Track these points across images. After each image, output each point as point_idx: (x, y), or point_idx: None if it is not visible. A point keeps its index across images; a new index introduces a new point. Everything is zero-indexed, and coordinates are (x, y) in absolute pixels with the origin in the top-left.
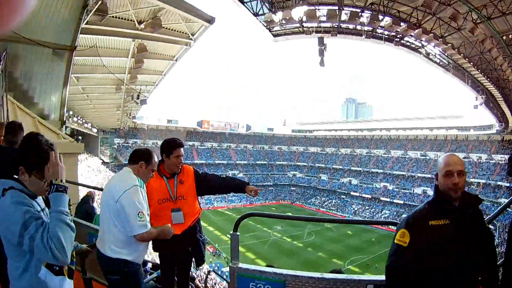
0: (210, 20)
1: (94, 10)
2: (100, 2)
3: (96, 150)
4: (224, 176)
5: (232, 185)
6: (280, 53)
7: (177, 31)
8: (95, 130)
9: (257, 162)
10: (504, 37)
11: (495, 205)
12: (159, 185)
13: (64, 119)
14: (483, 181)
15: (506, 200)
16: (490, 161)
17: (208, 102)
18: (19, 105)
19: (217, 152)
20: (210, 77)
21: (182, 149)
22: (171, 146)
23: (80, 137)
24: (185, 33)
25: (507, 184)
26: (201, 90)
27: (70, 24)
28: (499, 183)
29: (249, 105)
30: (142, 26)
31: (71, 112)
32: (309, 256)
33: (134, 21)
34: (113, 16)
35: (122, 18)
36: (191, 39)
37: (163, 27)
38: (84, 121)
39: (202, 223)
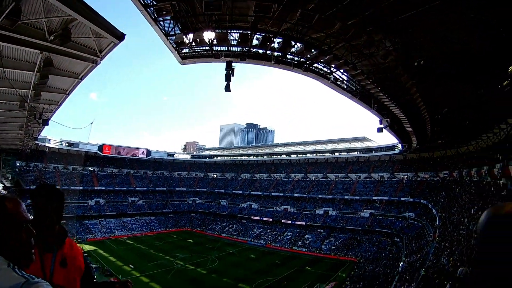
0: (120, 37)
1: (6, 12)
2: (13, 4)
3: None
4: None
5: None
6: (185, 77)
7: (86, 46)
8: None
9: (157, 188)
10: (415, 63)
11: (400, 219)
12: None
13: None
14: (386, 198)
15: (410, 214)
16: (393, 179)
17: (110, 125)
18: None
19: (117, 179)
20: (114, 98)
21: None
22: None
23: None
24: (93, 49)
25: (410, 199)
26: (103, 112)
27: None
28: (402, 199)
29: (151, 130)
30: (51, 37)
31: None
32: (215, 283)
33: (45, 30)
34: (24, 23)
35: (33, 26)
36: (98, 56)
37: (72, 41)
38: None
39: (102, 252)
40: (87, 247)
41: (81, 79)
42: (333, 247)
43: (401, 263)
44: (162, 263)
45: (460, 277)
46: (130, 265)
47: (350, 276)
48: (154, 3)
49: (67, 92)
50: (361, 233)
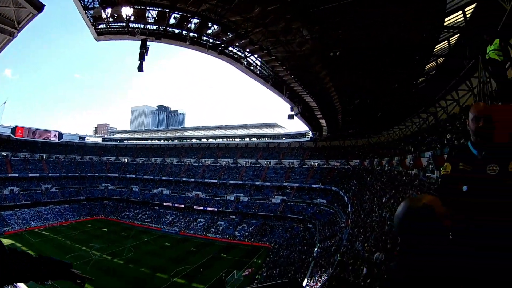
0: (39, 8)
1: None
2: None
3: None
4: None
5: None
6: (99, 55)
7: (3, 17)
8: None
9: (69, 174)
10: (331, 54)
11: (311, 206)
12: None
13: None
14: (297, 184)
15: (322, 200)
16: (303, 166)
17: (25, 105)
18: None
19: (30, 164)
20: (28, 76)
21: None
22: None
23: None
24: (11, 20)
25: (321, 186)
26: (21, 90)
27: None
28: (313, 185)
29: (64, 110)
30: None
31: None
32: (133, 273)
33: None
34: None
35: None
36: (15, 28)
37: None
38: None
39: (21, 246)
40: (6, 242)
41: None
42: (247, 233)
43: (316, 249)
44: (79, 255)
45: (377, 262)
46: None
47: (266, 262)
48: None
49: None
50: (273, 219)
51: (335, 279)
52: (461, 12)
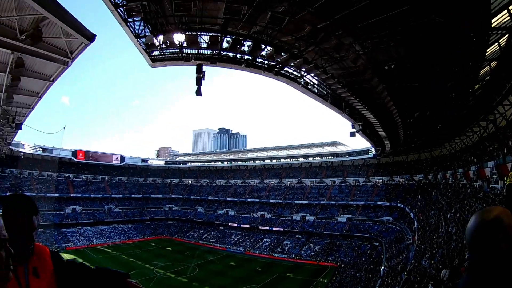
0: (91, 38)
1: None
2: None
3: None
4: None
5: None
6: (157, 80)
7: (57, 47)
8: None
9: (132, 195)
10: (386, 67)
11: (377, 223)
12: None
13: None
14: (362, 202)
15: (388, 218)
16: (368, 183)
17: (83, 130)
18: None
19: (92, 185)
20: (86, 102)
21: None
22: None
23: None
24: (64, 50)
25: (387, 203)
26: (78, 116)
27: None
28: (378, 203)
29: (124, 135)
30: (23, 37)
31: None
32: None
33: (16, 29)
34: None
35: (4, 25)
36: (69, 58)
37: (43, 41)
38: None
39: (82, 262)
40: (67, 256)
41: (53, 81)
42: (313, 253)
43: (382, 267)
44: (142, 272)
45: (444, 280)
46: None
47: (332, 281)
48: (125, 3)
49: (39, 95)
50: (339, 238)
51: None
52: (506, 11)
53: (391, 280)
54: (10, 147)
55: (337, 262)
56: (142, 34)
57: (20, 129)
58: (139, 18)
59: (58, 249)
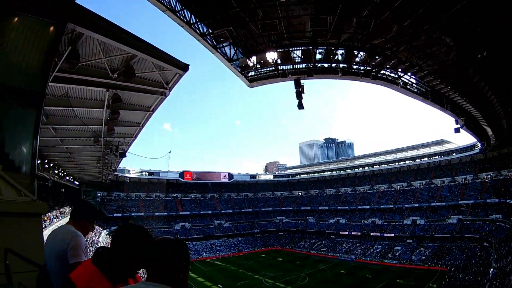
0: (184, 68)
1: (64, 56)
2: (70, 48)
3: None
4: None
5: None
6: (254, 100)
7: (151, 80)
8: (76, 183)
9: (242, 210)
10: (479, 56)
11: (487, 222)
12: None
13: (36, 172)
14: (472, 201)
15: (497, 216)
16: (476, 181)
17: (187, 153)
18: None
19: (201, 203)
20: (187, 126)
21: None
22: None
23: (62, 190)
24: (159, 82)
25: (496, 200)
26: (180, 140)
27: (40, 70)
28: (488, 200)
29: (228, 154)
30: (115, 75)
31: (51, 164)
32: None
33: (107, 69)
34: (85, 65)
35: (94, 67)
36: (166, 88)
37: (137, 76)
38: (65, 173)
39: (190, 274)
40: None
41: (152, 111)
42: (423, 257)
43: (491, 269)
44: (251, 283)
45: None
46: (219, 285)
47: (441, 286)
48: (210, 31)
49: (140, 125)
50: (450, 241)
51: None
52: None
53: (499, 282)
54: (115, 173)
55: (447, 266)
56: (234, 57)
57: (125, 156)
58: (228, 43)
59: None
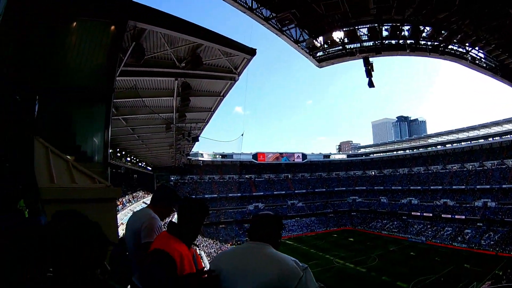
0: (251, 52)
1: (129, 52)
2: (134, 44)
3: (152, 188)
4: None
5: None
6: (325, 80)
7: (219, 66)
8: (149, 168)
9: (316, 190)
10: None
11: None
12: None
13: (109, 160)
14: None
15: None
16: None
17: (259, 135)
18: (52, 149)
19: (275, 183)
20: (258, 108)
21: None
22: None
23: (135, 176)
24: (228, 68)
25: None
26: (251, 123)
27: (106, 68)
28: None
29: (301, 134)
30: (183, 64)
31: (123, 152)
32: (373, 281)
33: (173, 60)
34: (151, 57)
35: (161, 58)
36: (235, 73)
37: (204, 64)
38: (137, 160)
39: None
40: None
41: (223, 96)
42: (492, 242)
43: None
44: (322, 262)
45: None
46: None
47: (506, 274)
48: (274, 15)
49: (212, 110)
50: None
51: None
52: None
53: None
54: (188, 157)
55: None
56: (301, 39)
57: (197, 141)
58: (293, 25)
59: (239, 242)
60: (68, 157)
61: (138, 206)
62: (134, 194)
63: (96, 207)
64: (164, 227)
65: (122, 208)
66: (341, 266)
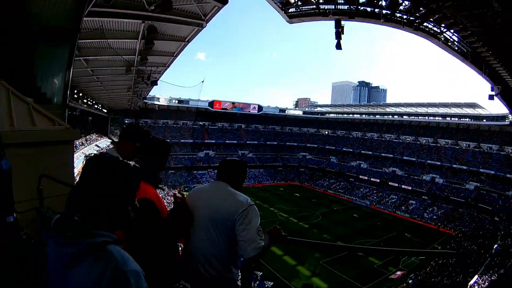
0: (223, 1)
1: None
2: None
3: (106, 130)
4: None
5: None
6: (293, 35)
7: (189, 12)
8: (105, 111)
9: (268, 142)
10: None
11: (502, 197)
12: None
13: (68, 102)
14: (492, 172)
15: None
16: (501, 153)
17: (219, 84)
18: (13, 91)
19: (228, 133)
20: (222, 56)
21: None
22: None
23: (90, 118)
24: (197, 14)
25: None
26: (213, 70)
27: (74, 7)
28: (508, 175)
29: (260, 86)
30: (152, 7)
31: (80, 94)
32: (314, 237)
33: (143, 2)
34: None
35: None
36: (203, 20)
37: (174, 8)
38: (93, 102)
39: None
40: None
41: (188, 42)
42: (435, 217)
43: (495, 245)
44: (266, 215)
45: None
46: None
47: (445, 249)
48: None
49: (174, 55)
50: (463, 206)
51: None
52: None
53: (499, 261)
54: (145, 101)
55: (455, 230)
56: None
57: (156, 84)
58: None
59: (186, 189)
60: (29, 99)
61: (90, 149)
62: (87, 137)
63: (55, 149)
64: None
65: (75, 151)
66: (285, 219)
